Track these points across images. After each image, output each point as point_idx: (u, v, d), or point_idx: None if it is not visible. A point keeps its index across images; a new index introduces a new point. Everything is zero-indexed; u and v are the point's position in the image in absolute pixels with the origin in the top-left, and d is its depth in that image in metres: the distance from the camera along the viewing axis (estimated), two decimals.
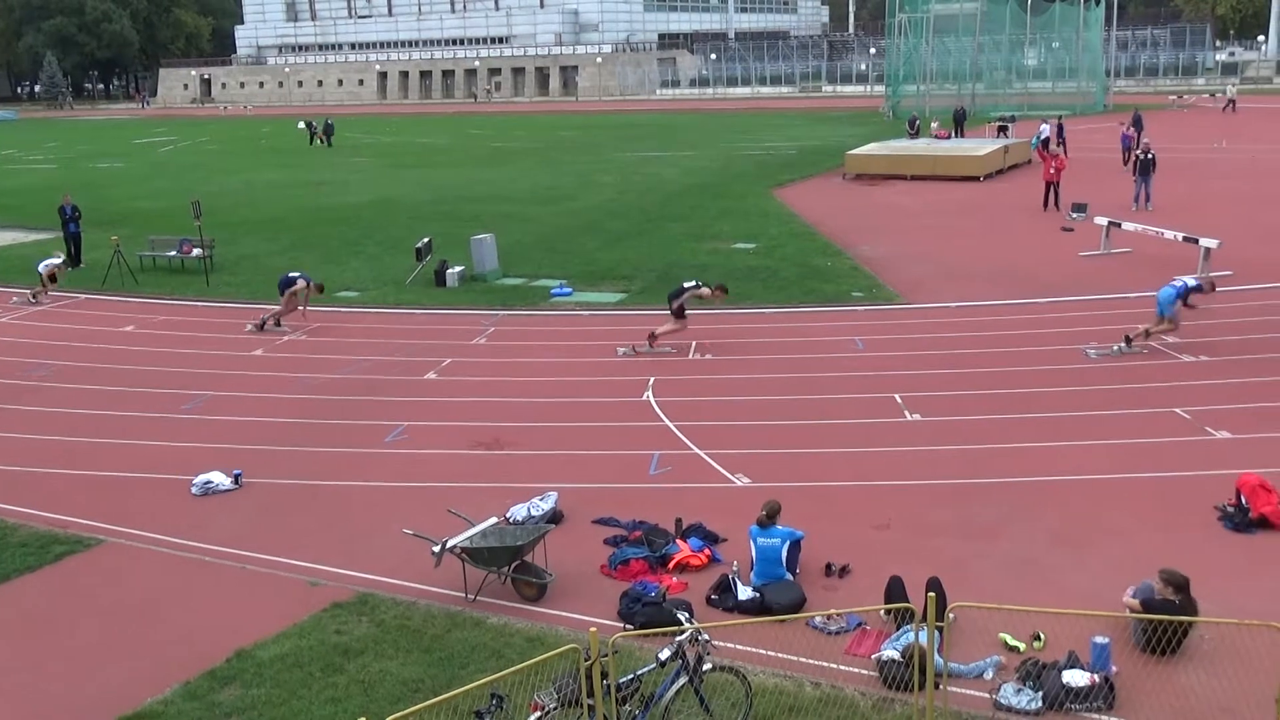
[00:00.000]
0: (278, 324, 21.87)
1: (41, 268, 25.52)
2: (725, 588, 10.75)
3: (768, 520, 10.89)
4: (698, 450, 14.55)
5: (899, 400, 16.17)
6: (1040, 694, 8.78)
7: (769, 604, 10.36)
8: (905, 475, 13.50)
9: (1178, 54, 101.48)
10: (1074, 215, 30.59)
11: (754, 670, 9.18)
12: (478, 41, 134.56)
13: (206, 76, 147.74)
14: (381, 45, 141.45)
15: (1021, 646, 9.58)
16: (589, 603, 10.70)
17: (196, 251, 27.82)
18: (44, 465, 14.98)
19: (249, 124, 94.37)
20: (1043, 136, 43.00)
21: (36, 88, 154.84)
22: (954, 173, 40.33)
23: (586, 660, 7.72)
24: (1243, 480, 12.02)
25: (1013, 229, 30.29)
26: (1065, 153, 43.96)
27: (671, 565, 11.33)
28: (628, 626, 10.03)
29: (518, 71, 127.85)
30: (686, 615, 9.53)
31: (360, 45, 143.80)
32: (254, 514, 13.19)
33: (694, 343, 19.52)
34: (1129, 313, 20.48)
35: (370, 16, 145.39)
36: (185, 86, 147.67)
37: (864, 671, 9.34)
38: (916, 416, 15.57)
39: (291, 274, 22.23)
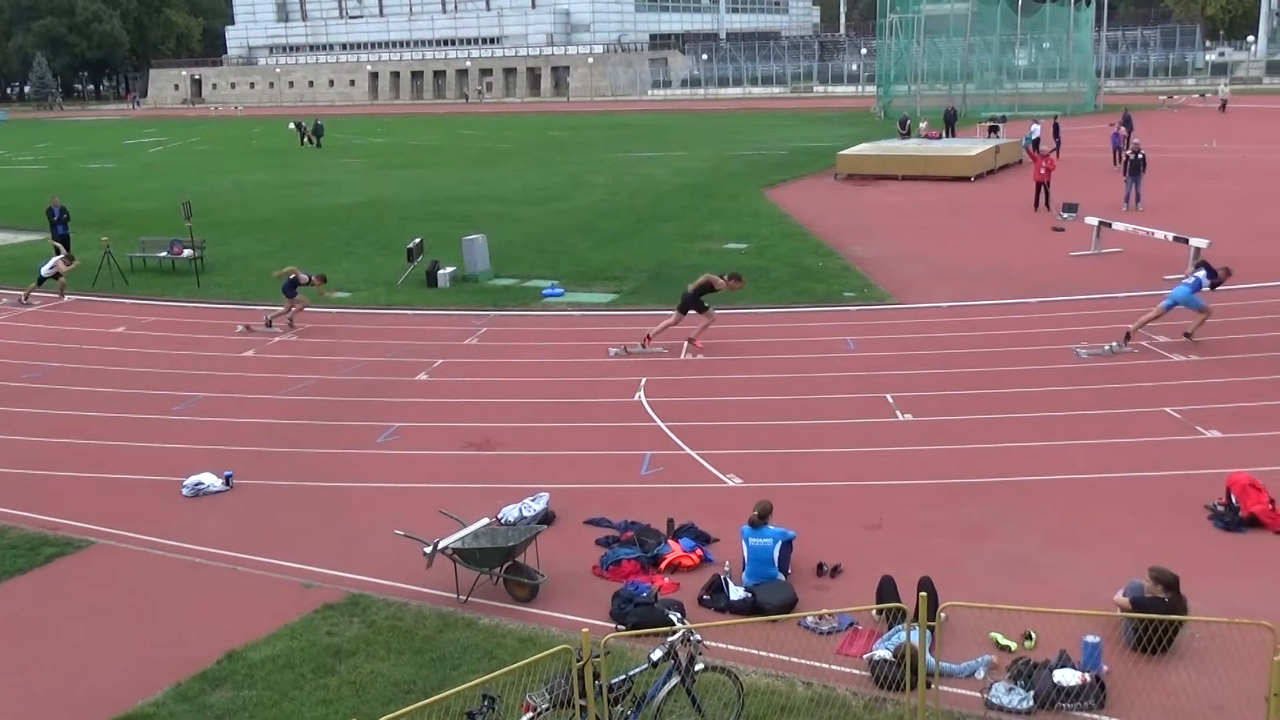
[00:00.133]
0: (290, 324, 21.80)
1: (45, 270, 25.31)
2: (717, 588, 10.75)
3: (759, 520, 10.90)
4: (689, 451, 14.55)
5: (891, 400, 16.18)
6: (1031, 693, 8.79)
7: (761, 604, 10.37)
8: (897, 475, 13.51)
9: (1168, 54, 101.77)
10: (1065, 215, 30.66)
11: (746, 670, 9.18)
12: (469, 42, 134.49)
13: (197, 77, 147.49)
14: (372, 46, 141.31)
15: (1013, 646, 9.60)
16: (581, 603, 10.70)
17: (187, 252, 27.77)
18: (34, 467, 14.93)
19: (240, 125, 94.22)
20: (1033, 137, 43.10)
21: (26, 88, 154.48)
22: (945, 173, 40.40)
23: (578, 661, 7.72)
24: (1233, 479, 12.06)
25: (1004, 229, 30.35)
26: (1059, 153, 44.14)
27: (663, 566, 11.33)
28: (620, 627, 10.02)
29: (509, 72, 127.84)
30: (678, 615, 9.53)
31: (351, 46, 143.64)
32: (245, 515, 13.17)
33: (685, 343, 19.52)
34: (1119, 312, 20.53)
35: (361, 17, 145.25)
36: (176, 87, 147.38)
37: (856, 671, 9.35)
38: (908, 416, 15.59)
39: (293, 277, 21.97)
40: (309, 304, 22.26)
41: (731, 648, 9.61)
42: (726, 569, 10.97)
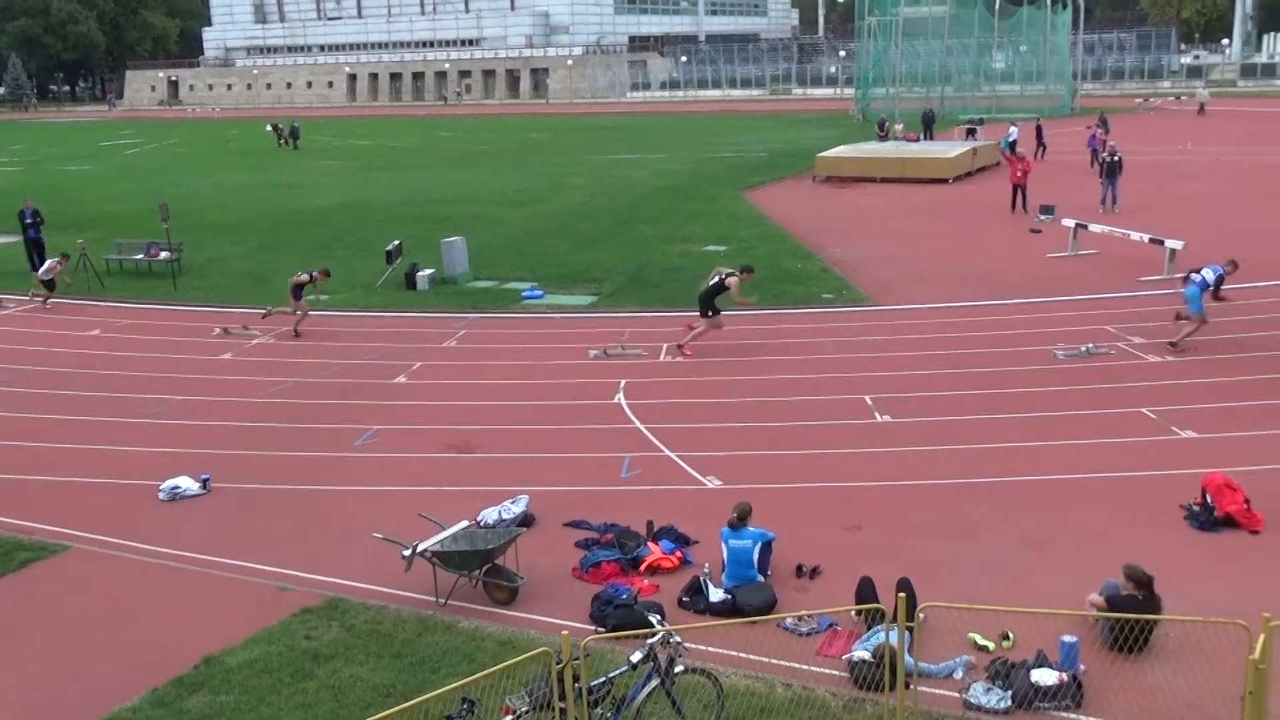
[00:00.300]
0: (295, 332, 21.56)
1: (42, 273, 24.92)
2: (697, 590, 10.76)
3: (739, 522, 10.91)
4: (669, 452, 14.56)
5: (869, 402, 16.23)
6: (1009, 693, 8.83)
7: (740, 606, 10.38)
8: (876, 476, 13.55)
9: (1143, 57, 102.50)
10: (1042, 217, 30.82)
11: (726, 672, 9.19)
12: (448, 44, 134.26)
13: (174, 78, 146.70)
14: (351, 47, 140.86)
15: (991, 646, 9.64)
16: (560, 606, 10.68)
17: (164, 255, 27.61)
18: (8, 471, 14.81)
19: (217, 126, 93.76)
20: (1010, 139, 43.31)
21: (1, 90, 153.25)
22: (923, 175, 40.57)
23: (558, 663, 7.71)
24: (1208, 479, 12.14)
25: (981, 231, 30.49)
26: (1044, 154, 44.36)
27: (643, 568, 11.32)
28: (599, 629, 10.02)
29: (488, 74, 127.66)
30: (658, 617, 9.53)
31: (329, 47, 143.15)
32: (222, 519, 13.10)
33: (665, 345, 19.53)
34: (1097, 314, 20.68)
35: (340, 18, 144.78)
36: (152, 88, 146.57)
37: (835, 672, 9.36)
38: (887, 418, 15.63)
39: (297, 279, 21.72)
40: (309, 310, 21.88)
41: (711, 649, 9.62)
42: (706, 571, 10.97)
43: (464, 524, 11.62)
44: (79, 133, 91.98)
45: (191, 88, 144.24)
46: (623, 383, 17.55)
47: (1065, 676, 8.90)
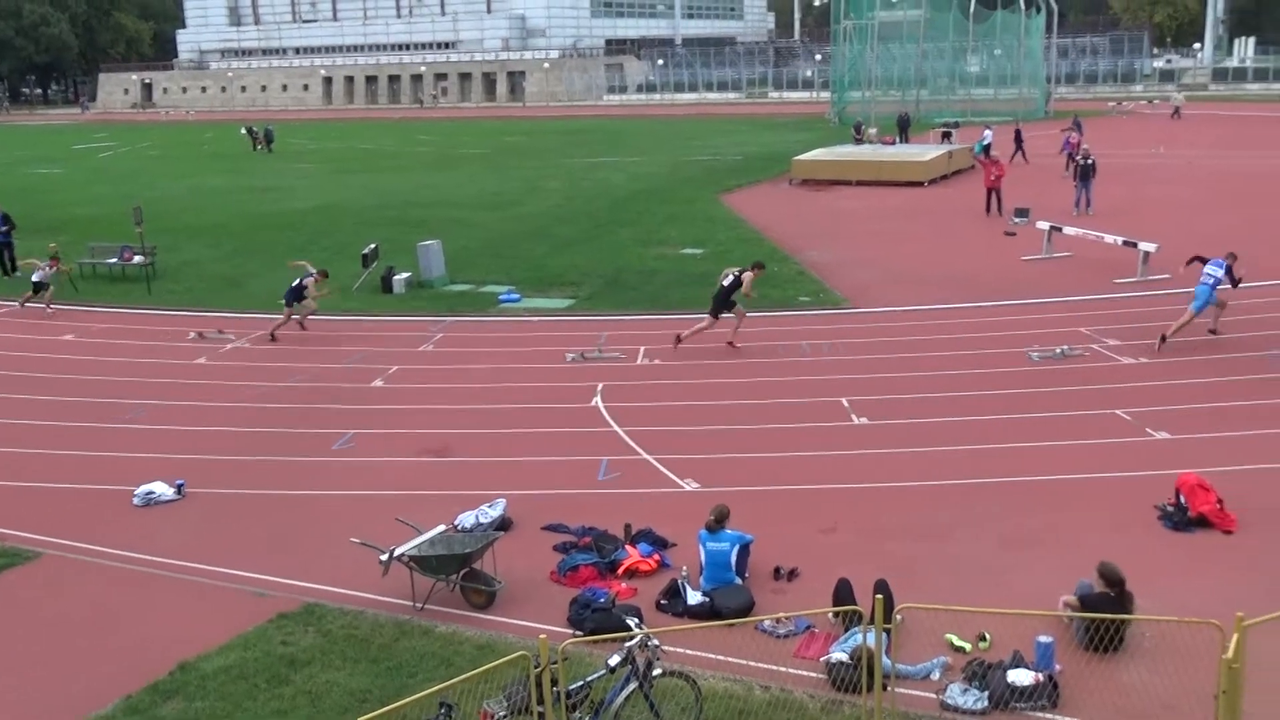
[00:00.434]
0: (301, 325, 21.51)
1: (36, 276, 24.50)
2: (675, 592, 10.76)
3: (716, 525, 10.92)
4: (646, 455, 14.56)
5: (846, 404, 16.28)
6: (986, 694, 8.88)
7: (718, 608, 10.39)
8: (853, 478, 13.59)
9: (1116, 61, 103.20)
10: (1016, 220, 30.99)
11: (704, 674, 9.20)
12: (424, 46, 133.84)
13: (148, 81, 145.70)
14: (326, 50, 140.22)
15: (967, 647, 9.68)
16: (538, 609, 10.67)
17: (138, 259, 27.43)
18: None
19: (191, 129, 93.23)
20: (985, 143, 43.54)
21: None
22: (899, 178, 40.72)
23: (536, 667, 7.69)
24: (1182, 480, 12.23)
25: (957, 234, 30.63)
26: (1025, 157, 44.58)
27: (621, 571, 11.32)
28: (577, 633, 10.00)
29: (464, 77, 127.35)
30: (636, 621, 9.53)
31: (305, 50, 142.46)
32: (198, 524, 13.02)
33: (643, 348, 19.54)
34: (1071, 315, 20.81)
35: (315, 21, 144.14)
36: (126, 91, 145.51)
37: (813, 674, 9.39)
38: (864, 420, 15.68)
39: (297, 282, 21.50)
40: (315, 308, 21.70)
41: (689, 652, 9.62)
42: (684, 573, 10.98)
43: (441, 528, 11.59)
44: (51, 136, 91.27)
45: (165, 90, 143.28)
46: (600, 386, 17.54)
47: (1041, 677, 8.95)
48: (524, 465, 14.48)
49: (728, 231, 31.71)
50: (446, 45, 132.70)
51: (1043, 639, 9.23)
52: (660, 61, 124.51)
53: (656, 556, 11.57)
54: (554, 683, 7.80)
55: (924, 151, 44.79)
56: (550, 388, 17.63)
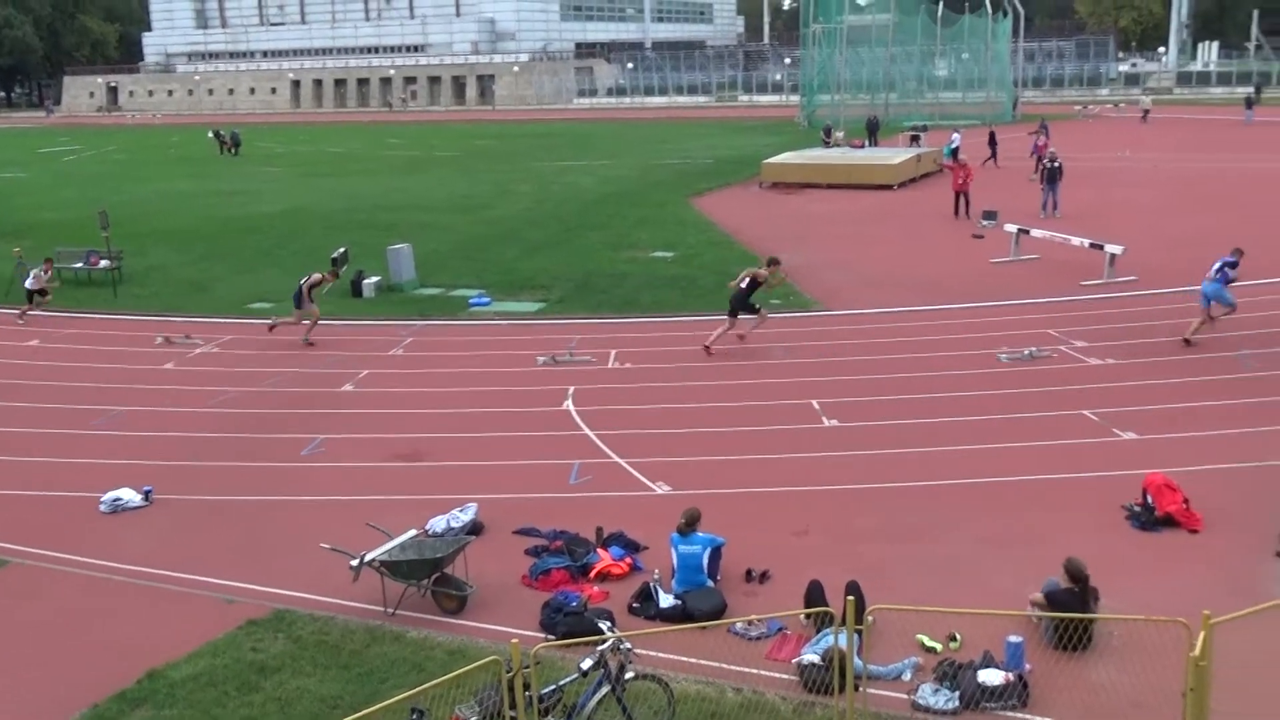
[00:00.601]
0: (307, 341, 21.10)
1: (29, 283, 23.94)
2: (647, 596, 10.76)
3: (688, 527, 10.93)
4: (618, 459, 14.56)
5: (817, 406, 16.33)
6: (957, 694, 8.92)
7: (690, 611, 10.40)
8: (824, 480, 13.64)
9: (1082, 65, 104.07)
10: (984, 223, 31.19)
11: (676, 677, 9.20)
12: (393, 50, 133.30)
13: (113, 84, 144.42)
14: (295, 53, 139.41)
15: (938, 647, 9.73)
16: (510, 614, 10.64)
17: (104, 263, 27.18)
18: None
19: (157, 133, 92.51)
20: (953, 146, 43.81)
21: None
22: (868, 181, 40.89)
23: (508, 672, 7.68)
24: (1149, 480, 12.35)
25: (926, 236, 30.80)
26: (997, 161, 44.87)
27: (593, 574, 11.31)
28: (549, 637, 9.98)
29: (434, 80, 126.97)
30: (608, 624, 9.53)
31: (273, 53, 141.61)
32: (166, 531, 12.90)
33: (613, 352, 19.53)
34: (1039, 317, 20.96)
35: (283, 24, 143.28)
36: (91, 94, 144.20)
37: (785, 676, 9.41)
38: (834, 422, 15.74)
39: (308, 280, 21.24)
40: (319, 315, 21.43)
41: (661, 655, 9.60)
42: (656, 577, 10.98)
43: (412, 533, 11.54)
44: (15, 139, 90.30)
45: (131, 94, 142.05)
46: (571, 389, 17.52)
47: (1011, 676, 9.01)
48: (495, 469, 14.45)
49: (698, 235, 31.76)
50: (415, 48, 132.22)
51: (1013, 639, 9.29)
52: (630, 65, 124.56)
53: (628, 560, 11.57)
54: (526, 687, 7.79)
55: (893, 155, 45.02)
56: (521, 391, 17.60)
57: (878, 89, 72.04)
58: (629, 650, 8.43)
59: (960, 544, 11.80)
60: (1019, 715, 8.79)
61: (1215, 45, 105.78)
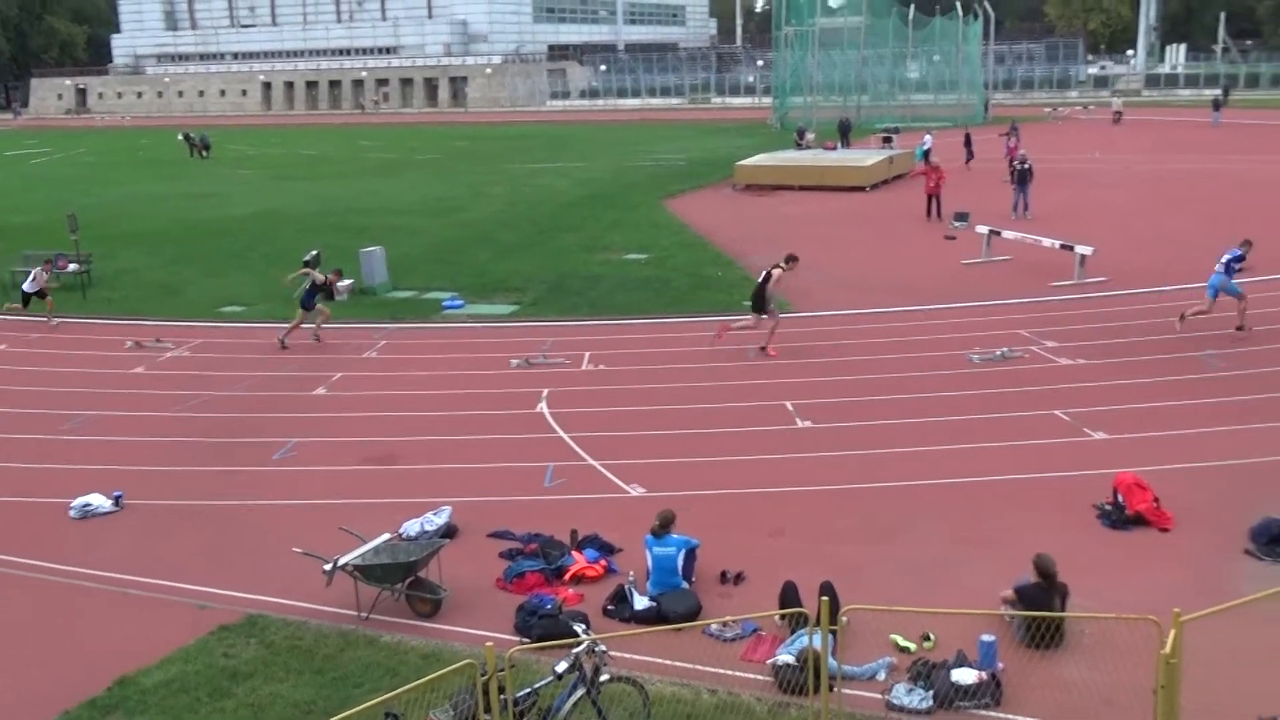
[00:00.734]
0: (316, 338, 21.00)
1: (27, 285, 23.68)
2: (622, 598, 10.76)
3: (662, 529, 10.93)
4: (592, 461, 14.55)
5: (790, 408, 16.37)
6: (931, 693, 8.96)
7: (665, 613, 10.40)
8: (797, 481, 13.67)
9: (1052, 67, 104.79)
10: (956, 224, 31.35)
11: (651, 679, 9.20)
12: (365, 52, 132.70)
13: (82, 86, 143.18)
14: (265, 55, 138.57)
15: (912, 647, 9.77)
16: (485, 617, 10.61)
17: (72, 266, 26.94)
18: None
19: (127, 135, 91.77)
20: (925, 148, 44.01)
21: None
22: (841, 183, 41.02)
23: (483, 675, 7.66)
24: (1119, 479, 12.44)
25: (898, 238, 30.93)
26: (970, 163, 45.12)
27: (567, 577, 11.30)
28: (524, 640, 9.96)
29: (406, 82, 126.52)
30: (583, 627, 9.51)
31: (243, 55, 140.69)
32: (137, 536, 12.80)
33: (587, 354, 19.52)
34: (1011, 318, 21.09)
35: (254, 25, 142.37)
36: (60, 96, 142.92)
37: (760, 677, 9.43)
38: (808, 423, 15.78)
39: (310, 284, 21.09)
40: (330, 315, 21.32)
41: (637, 657, 9.60)
42: (631, 579, 10.98)
43: (386, 536, 11.50)
44: None
45: (100, 96, 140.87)
46: (545, 392, 17.50)
47: (985, 675, 9.06)
48: (469, 472, 14.41)
49: (671, 237, 31.79)
50: (388, 50, 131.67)
51: (986, 638, 9.34)
52: (603, 67, 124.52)
53: (603, 562, 11.56)
54: (501, 690, 7.77)
55: (865, 157, 45.19)
56: (495, 394, 17.57)
57: (850, 91, 72.31)
58: (604, 653, 8.43)
59: (933, 544, 11.85)
60: (992, 714, 8.84)
61: (1183, 48, 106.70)
